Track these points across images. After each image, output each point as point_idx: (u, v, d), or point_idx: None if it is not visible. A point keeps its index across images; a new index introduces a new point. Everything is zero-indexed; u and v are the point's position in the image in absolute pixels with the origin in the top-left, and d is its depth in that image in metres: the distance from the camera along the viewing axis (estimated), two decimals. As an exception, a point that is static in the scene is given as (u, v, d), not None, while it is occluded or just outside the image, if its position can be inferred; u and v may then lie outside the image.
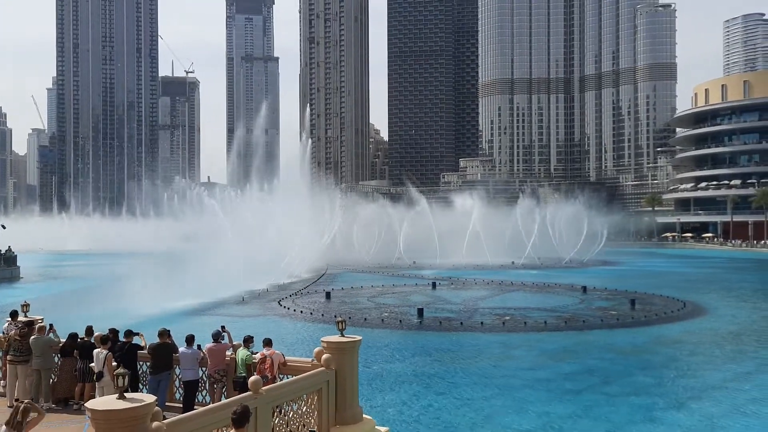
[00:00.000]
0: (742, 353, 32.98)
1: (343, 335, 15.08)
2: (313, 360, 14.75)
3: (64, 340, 17.26)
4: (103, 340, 16.34)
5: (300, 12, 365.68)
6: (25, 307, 19.27)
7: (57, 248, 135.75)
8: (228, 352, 16.47)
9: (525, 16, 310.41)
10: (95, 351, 16.09)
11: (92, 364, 16.00)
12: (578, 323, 40.22)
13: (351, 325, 31.07)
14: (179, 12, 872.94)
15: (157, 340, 16.34)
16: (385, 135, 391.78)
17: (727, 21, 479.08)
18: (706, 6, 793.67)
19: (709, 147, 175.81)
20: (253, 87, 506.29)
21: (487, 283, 65.84)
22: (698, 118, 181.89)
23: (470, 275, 75.39)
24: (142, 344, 16.89)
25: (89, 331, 17.49)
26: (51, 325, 18.20)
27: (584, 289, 57.51)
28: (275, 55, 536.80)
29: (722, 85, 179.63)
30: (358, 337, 15.36)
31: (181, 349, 16.24)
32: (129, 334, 16.67)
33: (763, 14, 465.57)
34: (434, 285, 61.79)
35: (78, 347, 16.81)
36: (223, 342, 16.73)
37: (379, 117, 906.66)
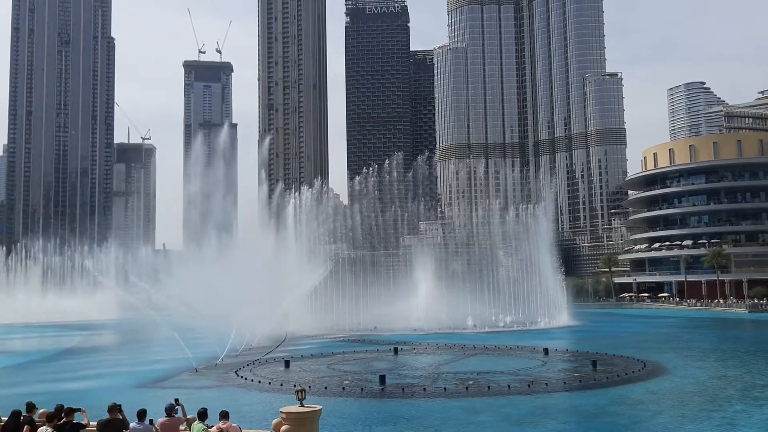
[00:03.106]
0: (703, 413, 33.05)
1: (302, 405, 14.65)
2: (271, 432, 14.24)
3: (6, 419, 16.38)
4: (49, 418, 15.59)
5: (259, 80, 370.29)
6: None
7: (4, 321, 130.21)
8: (182, 427, 15.86)
9: (479, 84, 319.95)
10: (40, 429, 15.29)
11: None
12: (541, 386, 39.89)
13: (311, 394, 30.21)
14: (136, 79, 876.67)
15: (106, 415, 15.62)
16: (344, 199, 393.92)
17: (671, 89, 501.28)
18: (651, 75, 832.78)
19: (660, 208, 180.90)
20: (211, 153, 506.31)
21: (450, 347, 65.29)
22: (648, 181, 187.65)
23: (432, 339, 74.75)
24: (85, 422, 16.06)
25: (30, 407, 16.66)
26: (-8, 403, 17.29)
27: (546, 351, 57.35)
28: (234, 121, 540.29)
29: (669, 149, 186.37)
30: (319, 407, 14.94)
31: (132, 424, 15.58)
32: (69, 412, 15.80)
33: (704, 83, 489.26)
34: (396, 350, 60.94)
35: (20, 425, 15.95)
36: (176, 416, 16.10)
37: (338, 182, 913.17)
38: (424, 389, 39.28)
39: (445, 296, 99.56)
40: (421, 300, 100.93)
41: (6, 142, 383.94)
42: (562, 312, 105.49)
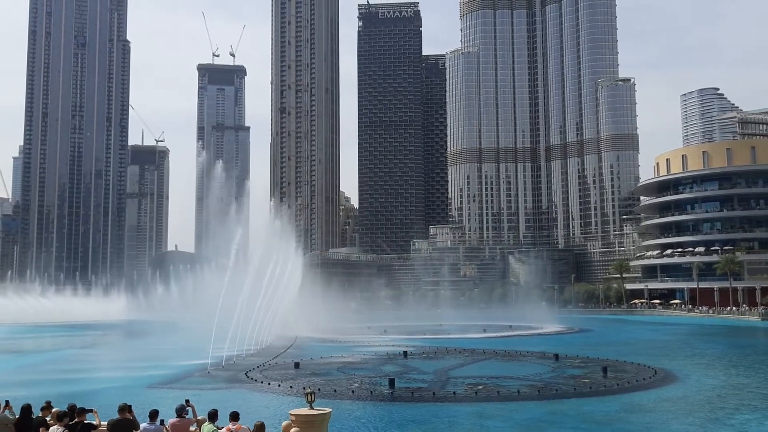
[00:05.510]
0: (714, 421, 32.83)
1: (312, 408, 14.70)
2: (281, 435, 14.30)
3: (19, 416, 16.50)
4: (60, 417, 15.66)
5: (272, 83, 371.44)
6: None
7: (17, 321, 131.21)
8: (192, 428, 15.93)
9: (491, 88, 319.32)
10: (51, 429, 15.38)
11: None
12: (551, 392, 39.76)
13: (320, 396, 30.32)
14: (151, 82, 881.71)
15: (116, 415, 15.69)
16: (355, 202, 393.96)
17: (684, 95, 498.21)
18: (664, 80, 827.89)
19: (673, 215, 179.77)
20: (224, 155, 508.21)
21: (459, 352, 65.19)
22: (661, 187, 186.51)
23: (442, 344, 74.64)
24: (96, 422, 16.13)
25: (47, 406, 16.76)
26: (7, 402, 17.46)
27: (556, 356, 57.16)
28: (246, 124, 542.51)
29: (682, 155, 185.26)
30: (328, 410, 14.99)
31: (143, 425, 15.65)
32: (81, 412, 15.87)
33: (718, 89, 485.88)
34: (406, 354, 60.92)
35: (32, 424, 16.04)
36: (187, 417, 16.18)
37: (349, 185, 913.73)
38: (434, 394, 39.25)
39: (450, 301, 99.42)
40: (428, 304, 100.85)
41: (22, 144, 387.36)
42: (574, 317, 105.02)
